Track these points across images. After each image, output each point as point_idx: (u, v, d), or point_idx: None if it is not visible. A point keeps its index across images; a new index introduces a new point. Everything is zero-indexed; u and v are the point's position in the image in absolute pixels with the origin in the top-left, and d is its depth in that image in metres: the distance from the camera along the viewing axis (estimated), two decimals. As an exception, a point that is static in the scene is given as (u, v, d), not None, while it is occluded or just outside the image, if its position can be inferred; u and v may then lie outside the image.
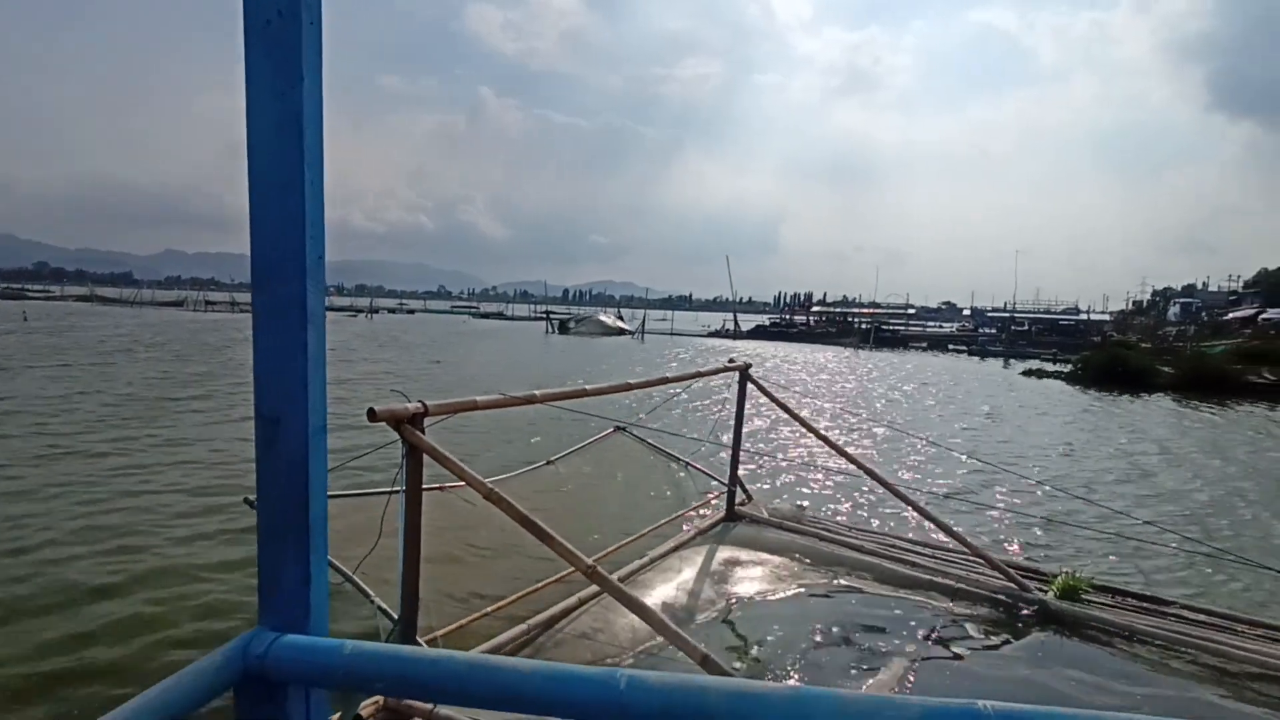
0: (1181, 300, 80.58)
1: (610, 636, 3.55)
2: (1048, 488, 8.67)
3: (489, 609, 3.59)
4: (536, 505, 4.83)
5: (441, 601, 3.50)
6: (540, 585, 3.84)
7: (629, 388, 4.06)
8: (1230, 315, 60.40)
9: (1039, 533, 7.21)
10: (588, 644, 3.48)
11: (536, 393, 3.50)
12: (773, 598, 4.27)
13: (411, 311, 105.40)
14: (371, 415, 2.78)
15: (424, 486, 3.08)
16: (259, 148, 1.06)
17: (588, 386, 3.80)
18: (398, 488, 2.98)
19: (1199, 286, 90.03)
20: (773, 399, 5.34)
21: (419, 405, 2.90)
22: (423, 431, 2.94)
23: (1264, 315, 52.50)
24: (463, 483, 2.96)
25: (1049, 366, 32.96)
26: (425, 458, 2.93)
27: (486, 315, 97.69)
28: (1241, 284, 78.00)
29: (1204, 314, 68.64)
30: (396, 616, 2.99)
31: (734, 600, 4.18)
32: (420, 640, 3.04)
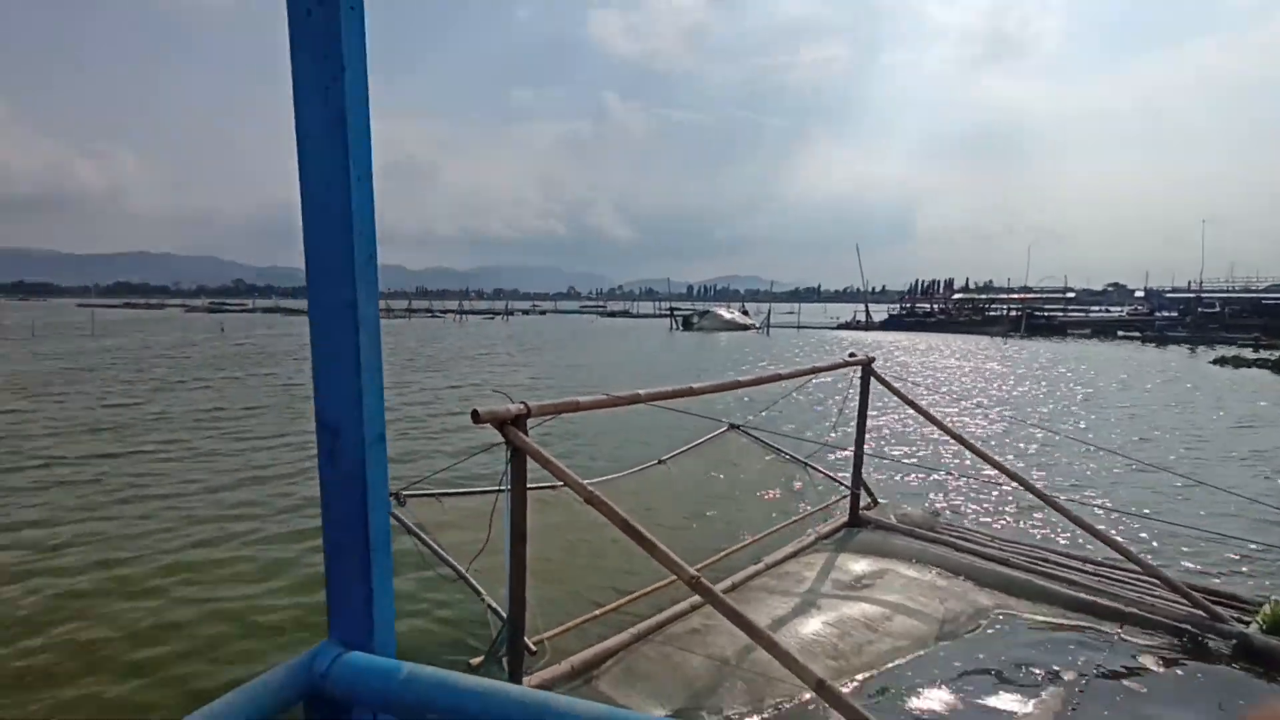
0: None
1: (718, 647, 3.40)
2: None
3: (596, 612, 3.55)
4: (647, 506, 4.80)
5: (551, 602, 3.50)
6: (647, 590, 3.76)
7: (738, 385, 3.88)
8: None
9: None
10: (693, 657, 3.34)
11: (641, 392, 3.42)
12: (904, 613, 3.93)
13: (544, 313, 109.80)
14: (475, 417, 2.80)
15: (531, 486, 3.08)
16: (307, 146, 1.02)
17: (695, 385, 3.67)
18: (505, 487, 3.00)
19: None
20: (899, 395, 4.96)
21: (521, 406, 2.89)
22: (526, 432, 2.94)
23: None
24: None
25: (1249, 354, 28.74)
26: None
27: (613, 314, 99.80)
28: None
29: None
30: (505, 616, 3.02)
31: (859, 614, 3.89)
32: (528, 641, 3.05)
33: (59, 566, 5.55)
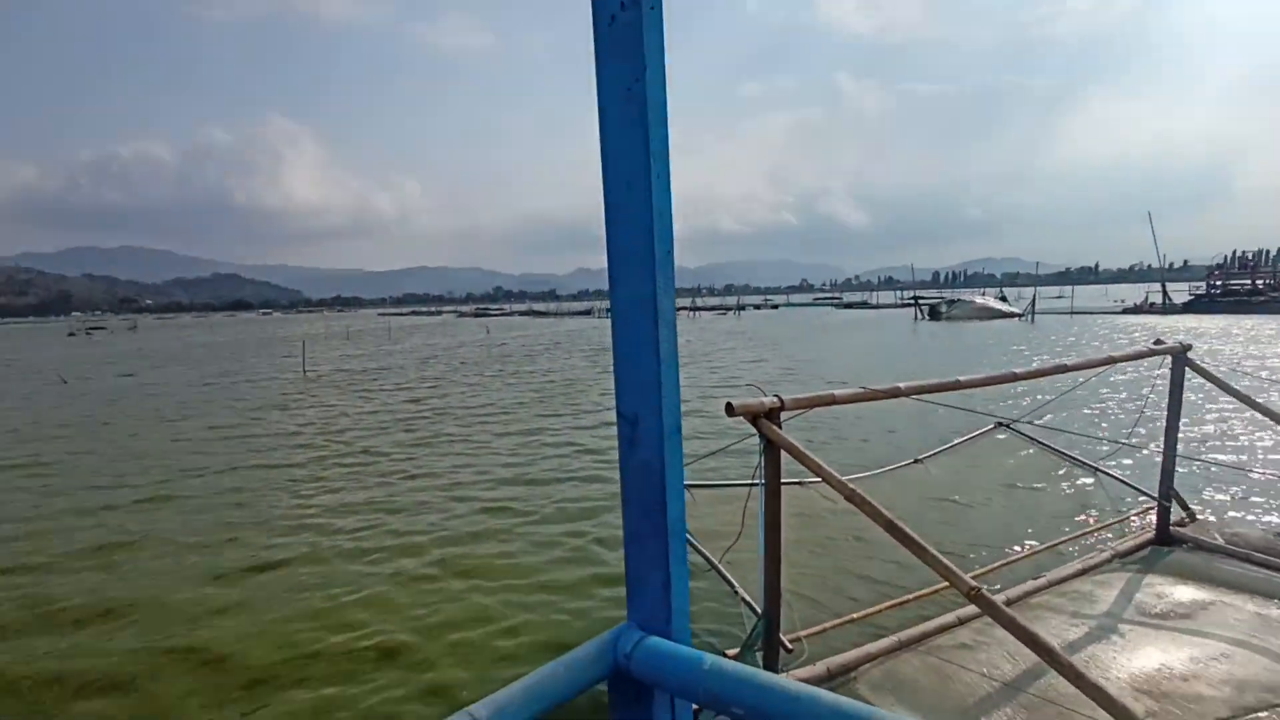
0: None
1: (994, 666, 3.06)
2: None
3: (854, 615, 3.40)
4: (903, 508, 4.50)
5: (804, 599, 3.44)
6: (911, 597, 3.51)
7: (1014, 378, 3.46)
8: None
9: None
10: (964, 673, 3.04)
11: (901, 385, 3.20)
12: (1247, 652, 3.22)
13: (775, 307, 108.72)
14: (729, 410, 2.82)
15: (783, 481, 3.03)
16: (610, 146, 1.07)
17: (962, 378, 3.34)
18: (757, 481, 2.98)
19: None
20: (1232, 392, 4.07)
21: (775, 399, 2.86)
22: (780, 426, 2.90)
23: None
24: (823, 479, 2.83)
25: None
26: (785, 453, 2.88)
27: (850, 305, 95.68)
28: None
29: None
30: (760, 611, 3.00)
31: (1180, 651, 3.27)
32: (783, 638, 3.01)
33: (354, 549, 6.35)
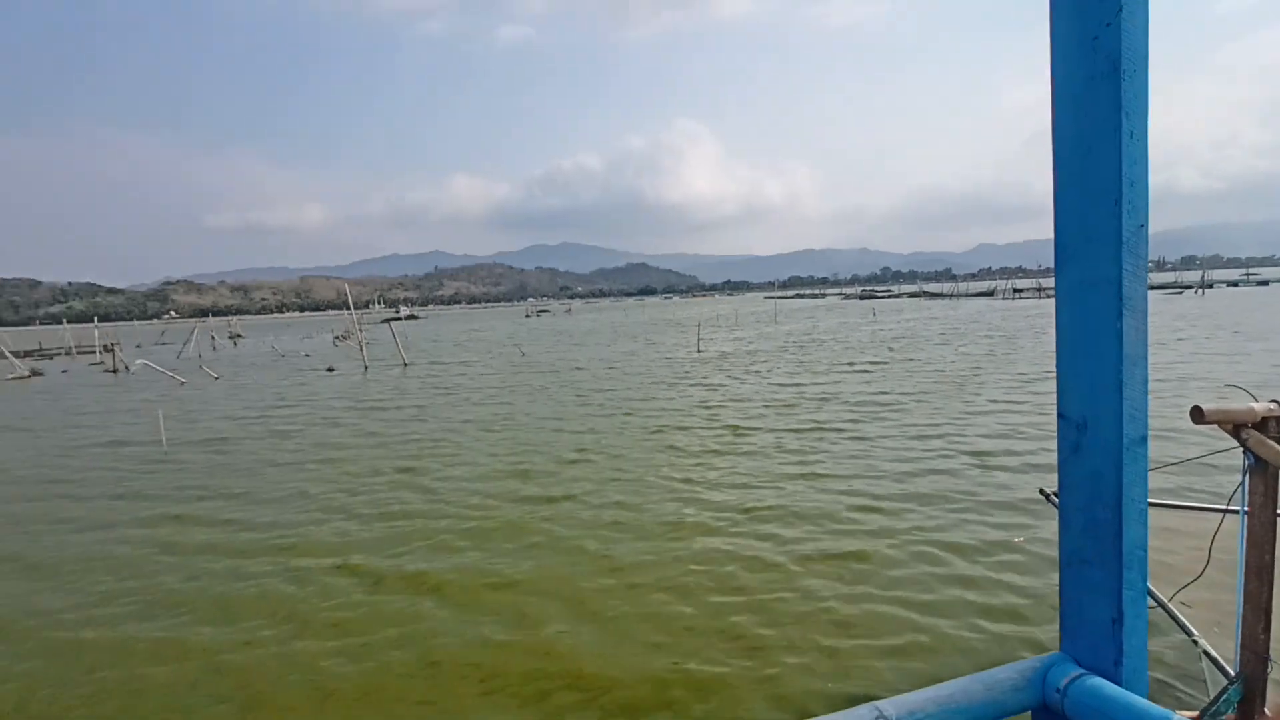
0: None
1: None
2: None
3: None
4: None
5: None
6: None
7: None
8: None
9: None
10: None
11: None
12: None
13: (1265, 283, 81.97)
14: (1197, 415, 2.24)
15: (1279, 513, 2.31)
16: (1064, 104, 0.94)
17: None
18: (1234, 507, 2.34)
19: None
20: None
21: (1271, 405, 2.19)
22: (1277, 440, 2.21)
23: None
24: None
25: None
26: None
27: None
28: None
29: None
30: (1232, 672, 2.35)
31: None
32: (1268, 714, 2.31)
33: (727, 551, 6.33)
